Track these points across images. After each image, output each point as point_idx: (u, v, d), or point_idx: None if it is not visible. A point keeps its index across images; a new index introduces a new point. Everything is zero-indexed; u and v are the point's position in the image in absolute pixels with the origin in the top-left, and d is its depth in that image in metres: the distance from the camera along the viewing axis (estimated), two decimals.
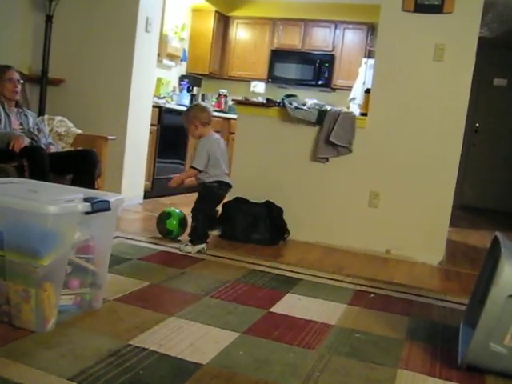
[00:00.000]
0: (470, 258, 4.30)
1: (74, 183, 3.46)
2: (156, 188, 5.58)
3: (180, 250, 3.40)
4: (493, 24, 6.80)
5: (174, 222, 3.64)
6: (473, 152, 8.30)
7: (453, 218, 4.09)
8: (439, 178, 3.95)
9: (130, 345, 1.90)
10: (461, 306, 2.76)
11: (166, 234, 3.66)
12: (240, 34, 7.54)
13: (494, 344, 1.92)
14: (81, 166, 3.63)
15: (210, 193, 3.58)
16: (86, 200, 2.01)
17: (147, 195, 5.35)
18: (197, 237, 3.47)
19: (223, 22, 7.51)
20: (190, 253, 3.36)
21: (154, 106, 5.23)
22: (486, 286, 2.18)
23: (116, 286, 2.52)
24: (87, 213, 1.98)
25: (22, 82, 3.81)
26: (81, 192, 2.14)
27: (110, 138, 4.14)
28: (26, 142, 3.43)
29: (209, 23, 7.27)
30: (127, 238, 3.53)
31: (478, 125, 8.30)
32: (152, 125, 5.22)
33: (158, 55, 5.43)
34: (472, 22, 3.87)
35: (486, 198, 8.37)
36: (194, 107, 3.72)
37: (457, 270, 3.82)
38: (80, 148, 3.95)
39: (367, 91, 4.23)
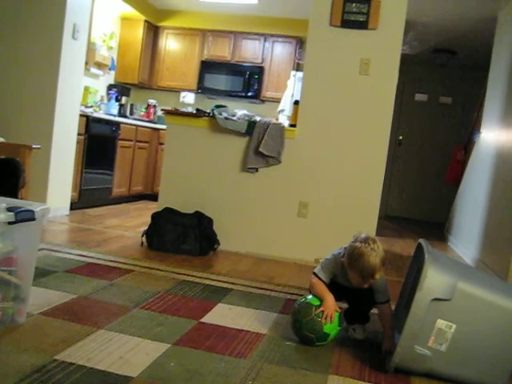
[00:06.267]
0: (395, 265, 4.43)
1: None
2: (83, 199, 5.44)
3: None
4: (413, 42, 7.12)
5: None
6: (397, 163, 8.62)
7: (379, 227, 4.21)
8: (366, 189, 4.07)
9: (56, 360, 1.83)
10: None
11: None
12: (170, 44, 7.50)
13: (419, 346, 1.99)
14: (3, 175, 3.49)
15: None
16: (9, 209, 1.93)
17: (74, 206, 5.20)
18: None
19: (153, 31, 7.44)
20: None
21: (81, 115, 5.11)
22: (410, 291, 2.26)
23: (41, 299, 2.43)
24: (10, 223, 1.90)
25: None
26: (3, 201, 2.05)
27: (34, 146, 4.00)
28: None
29: (138, 32, 7.19)
30: (53, 250, 3.42)
31: (401, 138, 8.63)
32: (79, 134, 5.09)
33: (86, 63, 5.32)
34: (395, 39, 4.03)
35: (410, 207, 8.70)
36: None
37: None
38: (2, 157, 3.78)
39: (296, 103, 4.30)
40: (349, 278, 2.37)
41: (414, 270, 2.41)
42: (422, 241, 2.32)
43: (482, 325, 2.01)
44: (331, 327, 2.30)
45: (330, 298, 2.35)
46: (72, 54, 4.75)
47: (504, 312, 2.01)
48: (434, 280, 1.97)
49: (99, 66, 6.63)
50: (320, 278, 2.44)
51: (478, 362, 2.01)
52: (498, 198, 4.47)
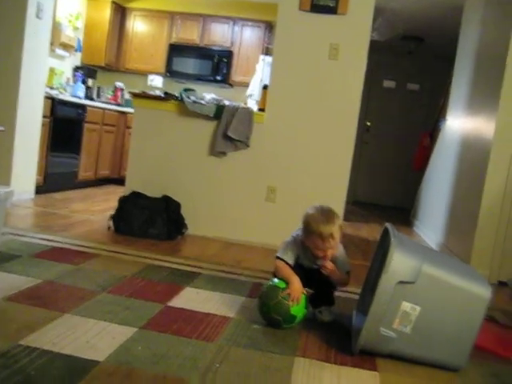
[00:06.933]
0: (361, 249, 4.49)
1: None
2: (48, 182, 5.35)
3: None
4: (382, 29, 7.16)
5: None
6: (365, 149, 8.70)
7: (346, 212, 4.25)
8: (333, 174, 4.10)
9: (21, 345, 1.80)
10: (354, 295, 2.87)
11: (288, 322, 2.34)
12: (138, 26, 7.38)
13: (384, 328, 2.02)
14: None
15: None
16: None
17: (39, 190, 5.11)
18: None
19: (120, 12, 7.31)
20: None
21: (46, 97, 5.00)
22: (376, 274, 2.29)
23: (5, 284, 2.39)
24: None
25: None
26: None
27: None
28: None
29: (105, 13, 7.06)
30: (17, 235, 3.35)
31: (369, 124, 8.70)
32: (44, 116, 4.99)
33: (51, 44, 5.19)
34: (364, 25, 4.05)
35: (378, 193, 8.80)
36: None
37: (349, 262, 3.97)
38: None
39: (265, 87, 4.30)
40: (311, 253, 2.41)
41: (379, 254, 2.44)
42: (388, 225, 2.35)
43: (445, 307, 2.05)
44: (298, 309, 2.32)
45: (295, 280, 2.36)
46: (36, 34, 4.63)
47: (465, 294, 2.05)
48: (399, 263, 2.00)
49: (65, 46, 6.50)
50: (284, 261, 2.45)
51: (441, 342, 2.06)
52: (462, 184, 4.56)
